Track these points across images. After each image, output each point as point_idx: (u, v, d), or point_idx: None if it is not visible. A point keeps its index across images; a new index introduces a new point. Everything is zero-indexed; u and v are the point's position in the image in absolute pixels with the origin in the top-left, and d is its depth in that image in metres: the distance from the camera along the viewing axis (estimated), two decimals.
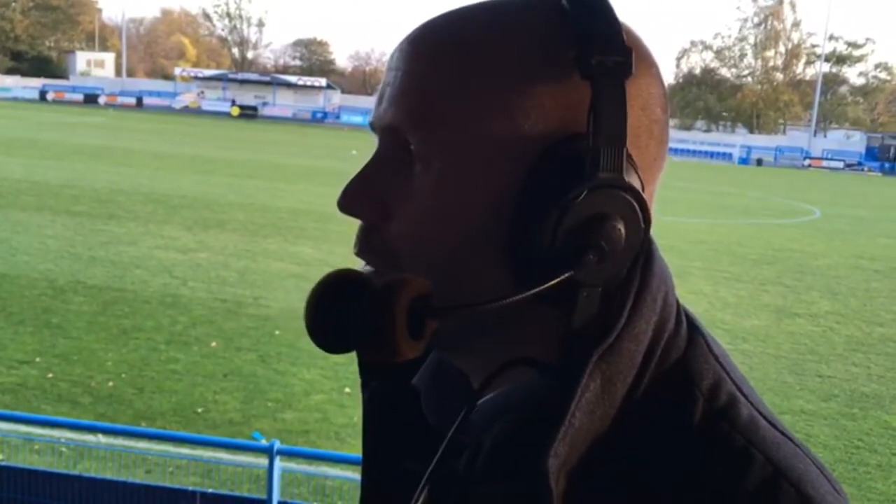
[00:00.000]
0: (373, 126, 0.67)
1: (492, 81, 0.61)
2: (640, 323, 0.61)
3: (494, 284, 0.61)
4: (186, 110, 64.25)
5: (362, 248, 0.66)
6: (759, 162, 57.32)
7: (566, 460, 0.58)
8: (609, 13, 0.60)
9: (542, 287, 0.58)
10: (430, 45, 0.64)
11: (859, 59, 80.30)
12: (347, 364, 7.82)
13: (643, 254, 0.63)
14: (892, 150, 60.66)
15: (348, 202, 0.65)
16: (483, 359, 0.66)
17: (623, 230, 0.59)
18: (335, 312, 0.62)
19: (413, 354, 0.59)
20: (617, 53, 0.58)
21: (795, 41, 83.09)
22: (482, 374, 0.67)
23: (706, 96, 79.44)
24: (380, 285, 0.59)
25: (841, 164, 57.90)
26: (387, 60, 0.67)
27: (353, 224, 0.67)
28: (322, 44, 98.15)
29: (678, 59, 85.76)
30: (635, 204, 0.59)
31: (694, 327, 0.65)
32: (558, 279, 0.58)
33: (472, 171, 0.61)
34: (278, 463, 3.97)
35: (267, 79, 72.30)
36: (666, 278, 0.65)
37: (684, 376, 0.62)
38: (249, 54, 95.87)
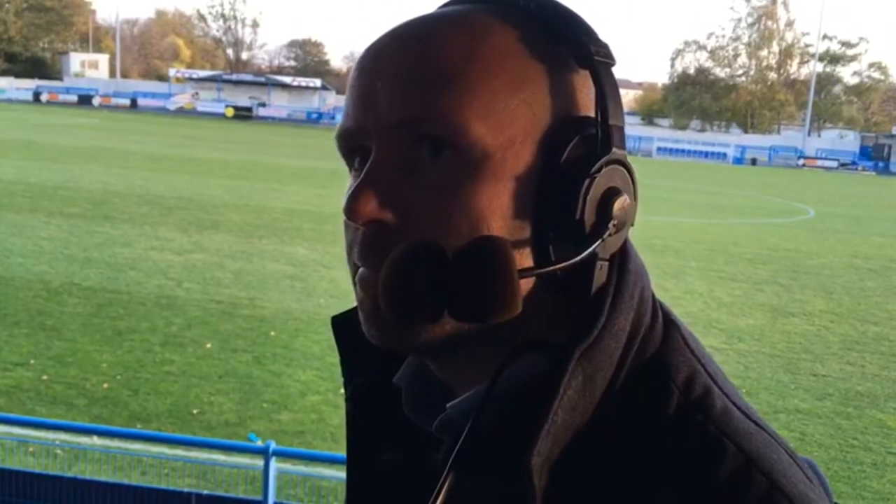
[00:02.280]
0: (358, 132, 0.65)
1: (506, 66, 0.63)
2: (620, 319, 0.63)
3: (521, 263, 0.62)
4: (181, 111, 64.15)
5: (374, 255, 0.63)
6: (754, 161, 57.41)
7: (548, 457, 0.60)
8: (575, 14, 0.66)
9: (593, 246, 0.61)
10: (425, 39, 0.63)
11: (853, 59, 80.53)
12: None
13: (619, 251, 0.65)
14: (886, 150, 60.85)
15: (361, 209, 0.62)
16: (471, 355, 0.66)
17: (629, 203, 0.63)
18: (422, 279, 0.59)
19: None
20: (603, 46, 0.64)
21: (789, 41, 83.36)
22: (465, 375, 0.68)
23: (701, 96, 79.52)
24: (482, 243, 0.58)
25: (835, 164, 58.02)
26: (359, 66, 0.65)
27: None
28: (317, 44, 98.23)
29: (672, 59, 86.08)
30: (631, 180, 0.64)
31: (670, 322, 0.67)
32: (598, 242, 0.61)
33: (501, 154, 0.62)
34: (274, 464, 3.96)
35: (262, 80, 72.27)
36: (641, 274, 0.67)
37: (660, 370, 0.63)
38: (244, 55, 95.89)
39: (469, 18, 0.64)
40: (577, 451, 0.61)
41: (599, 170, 0.61)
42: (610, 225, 0.62)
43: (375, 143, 0.64)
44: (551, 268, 0.61)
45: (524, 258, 0.62)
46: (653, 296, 0.68)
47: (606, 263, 0.64)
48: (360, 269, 0.65)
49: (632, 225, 0.65)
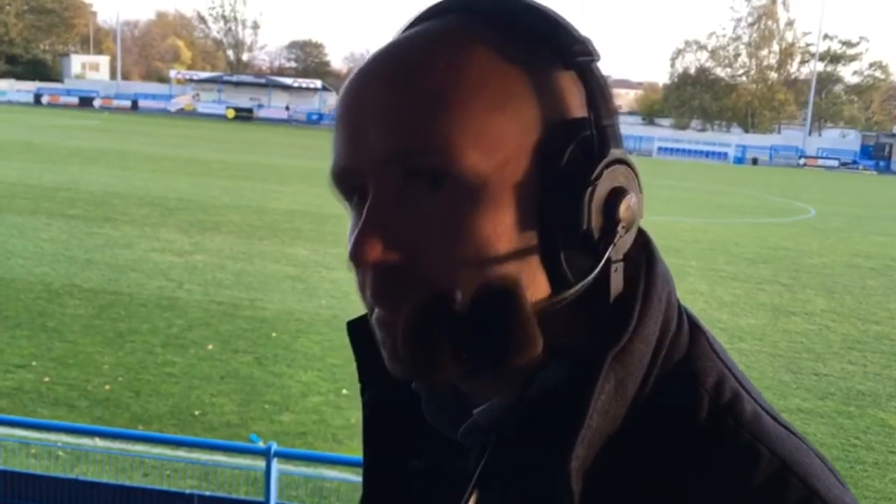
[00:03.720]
0: (351, 172, 0.63)
1: (490, 84, 0.61)
2: (650, 323, 0.62)
3: (536, 281, 0.62)
4: (182, 113, 64.16)
5: (387, 296, 0.62)
6: (755, 161, 57.35)
7: (583, 462, 0.59)
8: (551, 12, 0.64)
9: (606, 254, 0.60)
10: (407, 68, 0.62)
11: (854, 58, 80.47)
12: (344, 366, 7.80)
13: (646, 255, 0.65)
14: (887, 149, 60.80)
15: (367, 252, 0.60)
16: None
17: (635, 201, 0.62)
18: (439, 335, 0.59)
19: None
20: (583, 42, 0.62)
21: (790, 40, 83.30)
22: (487, 386, 0.67)
23: (701, 96, 79.45)
24: (493, 292, 0.58)
25: (836, 163, 57.96)
26: (343, 101, 0.64)
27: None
28: (317, 45, 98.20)
29: (673, 59, 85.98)
30: (634, 174, 0.63)
31: (695, 326, 0.66)
32: (610, 247, 0.60)
33: (499, 176, 0.60)
34: (276, 465, 3.97)
35: (262, 81, 72.30)
36: (668, 279, 0.66)
37: (689, 374, 0.63)
38: (244, 56, 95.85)
39: (445, 37, 0.63)
40: (610, 457, 0.60)
41: (600, 175, 0.60)
42: (619, 228, 0.61)
43: (371, 181, 0.62)
44: (568, 292, 0.60)
45: (537, 276, 0.61)
46: (678, 300, 0.67)
47: (622, 264, 0.63)
48: (377, 311, 0.64)
49: (641, 217, 0.64)
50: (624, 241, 0.62)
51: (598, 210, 0.60)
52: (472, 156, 0.59)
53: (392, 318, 0.61)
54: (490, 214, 0.60)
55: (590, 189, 0.60)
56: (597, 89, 0.61)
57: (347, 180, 0.64)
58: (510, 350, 0.58)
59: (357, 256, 0.61)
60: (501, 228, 0.60)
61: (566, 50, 0.62)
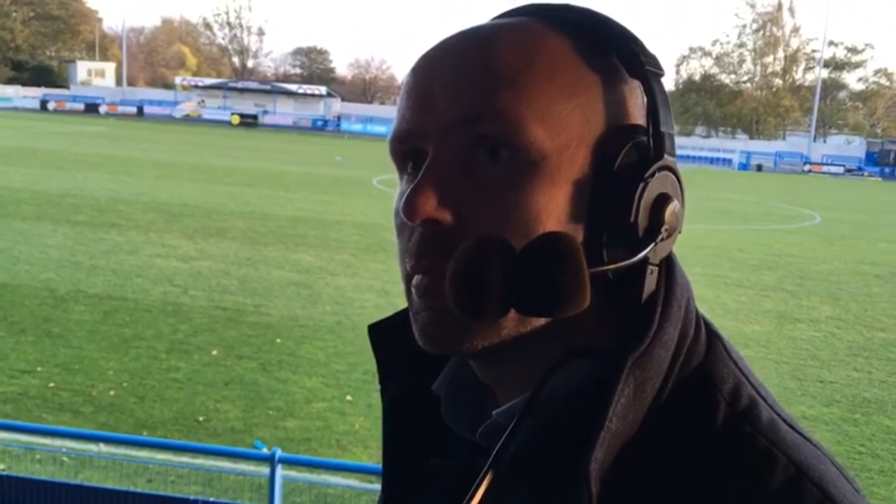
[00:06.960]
0: (414, 134, 0.65)
1: (562, 72, 0.63)
2: (669, 329, 0.63)
3: None
4: (187, 119, 64.38)
5: (430, 255, 0.63)
6: (759, 167, 57.34)
7: (602, 464, 0.60)
8: (624, 26, 0.67)
9: (647, 249, 0.62)
10: (485, 44, 0.64)
11: (859, 65, 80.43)
12: (349, 372, 7.81)
13: (665, 262, 0.66)
14: (892, 155, 60.71)
15: (420, 207, 0.61)
16: (519, 360, 0.66)
17: (679, 210, 0.64)
18: (494, 274, 0.58)
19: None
20: (652, 56, 0.66)
21: (795, 47, 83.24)
22: (511, 382, 0.68)
23: (706, 102, 79.47)
24: (552, 238, 0.58)
25: (841, 170, 57.91)
26: (416, 71, 0.66)
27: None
28: (322, 52, 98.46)
29: (677, 66, 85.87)
30: (680, 187, 0.65)
31: (713, 333, 0.68)
32: (651, 245, 0.62)
33: (557, 157, 0.62)
34: (280, 471, 3.97)
35: (267, 87, 72.53)
36: (686, 286, 0.68)
37: (706, 380, 0.64)
38: (249, 63, 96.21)
39: (526, 26, 0.66)
40: (627, 460, 0.61)
41: (653, 174, 0.62)
42: (662, 230, 0.62)
43: (433, 144, 0.64)
44: (610, 266, 0.61)
45: None
46: (696, 308, 0.68)
47: (657, 269, 0.64)
48: (417, 278, 0.64)
49: (679, 232, 0.65)
50: (663, 247, 0.64)
51: (647, 208, 0.62)
52: (537, 131, 0.61)
53: (434, 281, 0.62)
54: (543, 191, 0.61)
55: (641, 186, 0.62)
56: (660, 100, 0.64)
57: (408, 142, 0.66)
58: (561, 297, 0.57)
59: (410, 208, 0.62)
60: (553, 206, 0.61)
61: (636, 60, 0.64)
